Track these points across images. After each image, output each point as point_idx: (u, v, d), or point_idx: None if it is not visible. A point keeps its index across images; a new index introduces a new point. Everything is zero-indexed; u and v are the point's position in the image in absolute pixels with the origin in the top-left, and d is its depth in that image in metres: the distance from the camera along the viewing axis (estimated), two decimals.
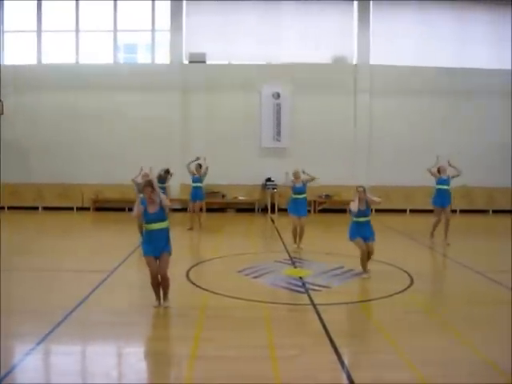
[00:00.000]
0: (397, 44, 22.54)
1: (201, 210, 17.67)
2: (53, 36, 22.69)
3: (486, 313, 8.59)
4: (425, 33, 22.61)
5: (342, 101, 22.68)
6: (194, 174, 17.12)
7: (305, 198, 13.89)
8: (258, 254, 13.27)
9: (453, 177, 14.83)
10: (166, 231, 8.39)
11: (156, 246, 8.28)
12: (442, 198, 14.73)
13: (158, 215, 8.24)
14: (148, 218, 8.28)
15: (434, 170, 15.00)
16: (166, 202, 8.30)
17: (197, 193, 17.07)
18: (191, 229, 16.86)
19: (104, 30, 22.56)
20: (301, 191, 13.75)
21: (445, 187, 14.70)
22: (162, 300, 8.53)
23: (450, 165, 14.91)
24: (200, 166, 17.21)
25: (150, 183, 8.31)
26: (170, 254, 8.40)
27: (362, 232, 10.68)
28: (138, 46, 24.67)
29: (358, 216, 10.71)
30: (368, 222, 10.80)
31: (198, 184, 17.11)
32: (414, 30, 22.62)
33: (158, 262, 8.35)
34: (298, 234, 13.83)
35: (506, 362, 6.51)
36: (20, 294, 9.03)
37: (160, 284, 8.45)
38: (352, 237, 10.76)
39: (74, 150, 22.26)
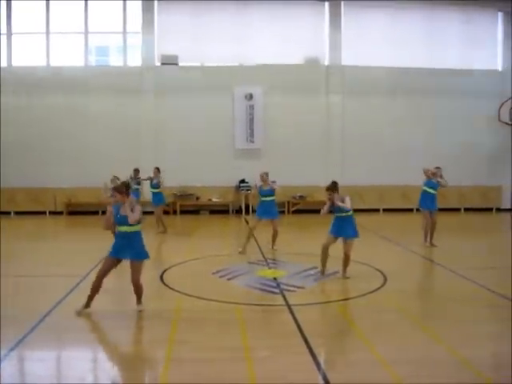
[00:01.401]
0: (368, 45, 22.70)
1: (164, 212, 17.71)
2: (23, 38, 22.43)
3: (460, 310, 8.69)
4: (396, 33, 22.83)
5: (315, 102, 22.78)
6: (151, 180, 17.07)
7: (273, 201, 13.76)
8: (232, 256, 13.26)
9: (439, 182, 14.43)
10: (135, 235, 8.24)
11: (121, 248, 8.18)
12: (428, 200, 14.41)
13: (126, 218, 8.16)
14: (118, 220, 8.21)
15: (429, 173, 14.51)
16: (132, 217, 8.08)
17: (154, 198, 17.05)
18: (163, 232, 16.86)
19: (75, 32, 22.37)
20: (268, 194, 13.68)
21: (431, 191, 14.38)
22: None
23: (441, 177, 14.55)
24: (158, 169, 17.13)
25: (115, 189, 8.31)
26: (141, 260, 8.25)
27: (343, 229, 10.50)
28: (110, 48, 24.50)
29: (337, 211, 10.60)
30: (349, 218, 10.60)
31: (155, 190, 17.02)
32: (385, 31, 22.83)
33: (117, 265, 8.34)
34: (271, 237, 13.90)
35: (480, 361, 6.58)
36: None
37: (134, 290, 8.42)
38: (329, 232, 10.67)
39: (45, 154, 22.02)
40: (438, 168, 14.65)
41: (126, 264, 8.28)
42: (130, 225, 8.14)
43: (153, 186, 17.03)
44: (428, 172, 14.58)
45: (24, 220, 21.00)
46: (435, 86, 22.65)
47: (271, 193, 13.69)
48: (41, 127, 22.06)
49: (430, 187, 14.42)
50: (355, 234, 10.67)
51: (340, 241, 10.70)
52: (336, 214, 10.65)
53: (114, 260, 8.28)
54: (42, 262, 12.68)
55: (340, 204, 10.42)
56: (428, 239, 14.54)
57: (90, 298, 8.37)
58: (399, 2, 22.58)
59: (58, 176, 21.93)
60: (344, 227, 10.53)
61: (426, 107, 22.87)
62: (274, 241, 13.89)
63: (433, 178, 14.44)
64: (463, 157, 22.62)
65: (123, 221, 8.17)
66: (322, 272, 10.88)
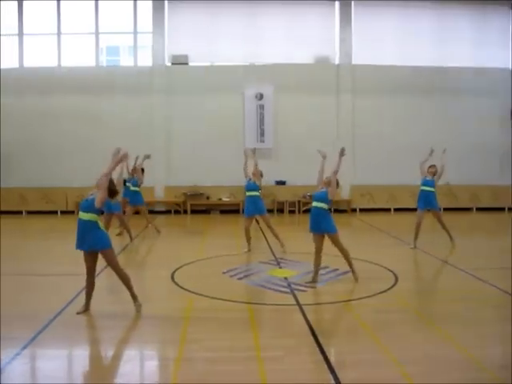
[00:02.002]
0: (379, 44, 22.70)
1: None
2: (34, 39, 22.56)
3: (471, 310, 8.64)
4: (406, 32, 22.79)
5: (325, 101, 22.76)
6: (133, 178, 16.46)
7: (258, 196, 13.51)
8: (243, 255, 13.26)
9: (434, 178, 14.14)
10: (88, 224, 7.96)
11: (79, 239, 8.04)
12: (423, 199, 14.06)
13: (86, 203, 8.00)
14: (81, 204, 8.13)
15: (425, 166, 14.27)
16: (98, 199, 7.88)
17: (133, 197, 16.33)
18: (120, 234, 16.09)
19: (86, 33, 22.46)
20: (252, 188, 13.53)
21: (427, 188, 14.05)
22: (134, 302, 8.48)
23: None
24: (142, 169, 16.72)
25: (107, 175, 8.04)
26: (106, 249, 8.08)
27: (318, 223, 10.10)
28: (121, 49, 24.59)
29: (315, 199, 10.35)
30: (326, 212, 10.14)
31: (136, 188, 16.36)
32: (395, 30, 22.81)
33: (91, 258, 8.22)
34: (274, 236, 13.85)
35: (492, 361, 6.55)
36: (5, 299, 8.94)
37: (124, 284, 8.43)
38: (310, 231, 10.34)
39: (57, 153, 22.17)
40: (432, 166, 14.36)
41: (127, 264, 8.27)
42: (83, 211, 7.99)
43: (134, 184, 16.32)
44: (423, 167, 14.31)
45: (35, 219, 21.09)
46: (446, 84, 22.60)
47: (255, 187, 13.54)
48: (52, 127, 22.19)
49: (424, 185, 14.20)
50: (334, 230, 10.18)
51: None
52: (314, 202, 10.30)
53: (84, 254, 8.18)
54: (53, 261, 12.73)
55: (336, 170, 10.87)
56: (416, 242, 14.00)
57: (87, 297, 8.39)
58: (410, 0, 22.52)
59: (69, 175, 22.04)
60: (321, 221, 10.09)
61: (437, 106, 22.81)
62: (277, 239, 13.72)
63: (427, 176, 14.22)
64: (475, 156, 22.56)
65: (81, 205, 8.09)
66: (314, 279, 10.35)
